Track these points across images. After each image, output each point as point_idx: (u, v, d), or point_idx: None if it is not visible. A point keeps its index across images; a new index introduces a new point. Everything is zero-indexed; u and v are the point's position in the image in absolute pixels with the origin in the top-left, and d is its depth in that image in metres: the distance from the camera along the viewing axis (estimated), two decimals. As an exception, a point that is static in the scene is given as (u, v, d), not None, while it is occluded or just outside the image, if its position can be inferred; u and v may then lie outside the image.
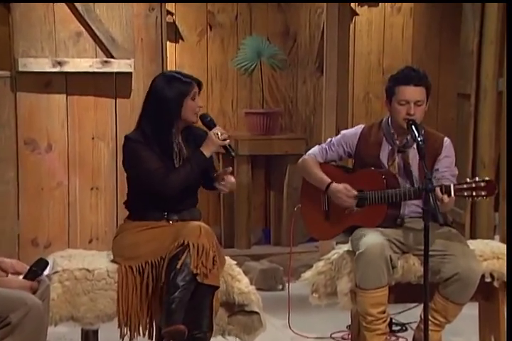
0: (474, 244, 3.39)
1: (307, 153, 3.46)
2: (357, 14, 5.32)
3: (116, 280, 3.08)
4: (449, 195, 3.04)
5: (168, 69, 4.31)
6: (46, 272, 2.75)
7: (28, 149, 4.07)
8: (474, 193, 3.02)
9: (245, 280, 3.18)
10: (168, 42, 4.43)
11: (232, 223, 5.19)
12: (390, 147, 3.31)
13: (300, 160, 3.47)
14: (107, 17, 4.06)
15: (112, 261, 3.17)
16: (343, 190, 3.25)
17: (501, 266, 3.26)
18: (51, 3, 4.00)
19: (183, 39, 5.24)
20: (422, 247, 2.99)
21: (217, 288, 3.03)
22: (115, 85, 4.13)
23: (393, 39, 5.45)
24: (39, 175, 4.09)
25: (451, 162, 3.31)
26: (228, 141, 3.18)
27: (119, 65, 4.07)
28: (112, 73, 4.10)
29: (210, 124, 3.19)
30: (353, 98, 5.34)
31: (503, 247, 3.37)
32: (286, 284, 3.95)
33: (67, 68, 4.02)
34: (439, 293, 3.17)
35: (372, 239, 3.15)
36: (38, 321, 2.50)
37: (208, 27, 5.28)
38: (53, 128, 4.10)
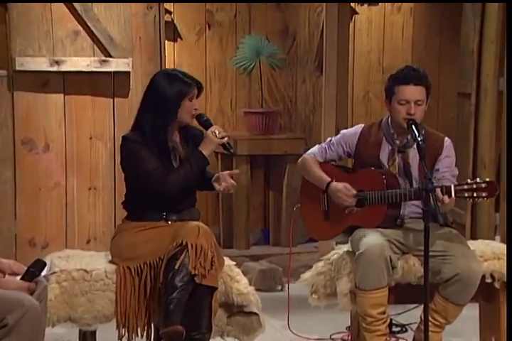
0: (475, 245, 3.38)
1: (307, 153, 3.46)
2: (357, 13, 5.32)
3: (115, 281, 3.07)
4: (450, 195, 3.03)
5: (167, 68, 4.30)
6: (44, 273, 2.74)
7: (25, 149, 4.06)
8: (475, 194, 3.02)
9: (244, 280, 3.18)
10: (166, 41, 4.41)
11: (231, 223, 5.19)
12: (390, 147, 3.31)
13: (300, 159, 3.47)
14: (105, 16, 4.05)
15: (110, 261, 3.16)
16: (343, 189, 3.24)
17: (502, 266, 3.26)
18: (48, 2, 3.99)
19: (181, 38, 5.23)
20: (422, 248, 2.99)
21: (216, 288, 3.02)
22: (113, 84, 4.12)
23: (393, 38, 5.45)
24: (36, 175, 4.08)
25: (452, 162, 3.30)
26: (226, 138, 3.17)
27: (117, 64, 4.06)
28: (109, 72, 4.09)
29: (207, 124, 3.19)
30: (353, 97, 5.34)
31: (504, 248, 3.36)
32: (286, 285, 3.95)
33: (64, 67, 4.01)
34: (440, 293, 3.17)
35: (372, 239, 3.14)
36: (36, 322, 2.50)
37: (207, 26, 5.28)
38: (51, 127, 4.09)
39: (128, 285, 3.05)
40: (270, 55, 5.16)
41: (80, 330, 3.18)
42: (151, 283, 3.04)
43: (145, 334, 3.10)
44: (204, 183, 3.25)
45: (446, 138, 3.32)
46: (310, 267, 3.42)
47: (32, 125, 4.06)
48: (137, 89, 4.07)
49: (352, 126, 3.51)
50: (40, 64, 3.97)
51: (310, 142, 5.01)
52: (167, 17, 4.80)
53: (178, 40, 5.22)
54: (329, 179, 3.30)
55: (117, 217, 4.02)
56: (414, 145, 3.18)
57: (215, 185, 3.20)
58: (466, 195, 3.03)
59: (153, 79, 3.17)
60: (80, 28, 4.02)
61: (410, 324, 3.78)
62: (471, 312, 3.35)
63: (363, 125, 3.41)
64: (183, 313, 2.94)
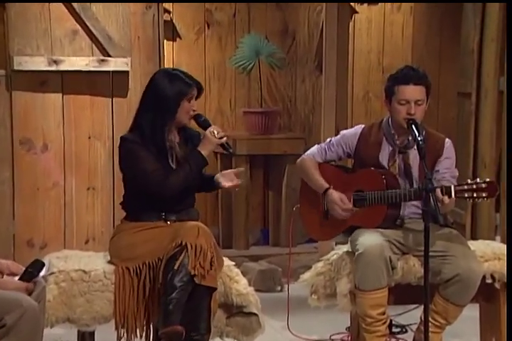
0: (475, 245, 3.38)
1: (306, 153, 3.45)
2: (356, 12, 5.31)
3: (113, 282, 3.06)
4: (450, 196, 3.03)
5: (164, 67, 4.30)
6: (42, 273, 2.73)
7: (23, 149, 4.05)
8: (475, 194, 3.01)
9: (243, 281, 3.17)
10: (165, 41, 4.41)
11: (230, 223, 5.18)
12: (391, 147, 3.30)
13: (299, 160, 3.46)
14: (104, 15, 4.05)
15: (109, 262, 3.15)
16: (339, 202, 3.24)
17: (502, 266, 3.25)
18: (47, 2, 3.98)
19: (180, 37, 5.22)
20: (422, 248, 2.98)
21: (215, 289, 3.01)
22: (112, 84, 4.11)
23: (393, 37, 5.44)
24: (35, 175, 4.07)
25: (452, 163, 3.30)
26: (225, 138, 3.17)
27: (115, 64, 4.06)
28: (108, 72, 4.08)
29: (205, 124, 3.18)
30: (353, 97, 5.33)
31: (504, 248, 3.35)
32: (285, 285, 3.94)
33: (63, 67, 4.00)
34: (440, 294, 3.16)
35: (371, 239, 3.14)
36: (34, 323, 2.50)
37: (206, 25, 5.27)
38: (49, 127, 4.08)
39: (127, 286, 3.05)
40: (269, 54, 5.15)
41: (78, 331, 3.17)
42: (150, 283, 3.03)
43: (144, 334, 3.09)
44: (201, 184, 3.24)
45: (447, 140, 3.32)
46: (309, 267, 3.41)
47: (30, 125, 4.05)
48: (136, 89, 4.07)
49: (352, 126, 3.51)
50: (39, 63, 3.97)
51: (309, 142, 5.00)
52: (166, 16, 4.79)
53: (177, 39, 5.22)
54: (327, 186, 3.30)
55: (116, 217, 4.01)
56: (415, 146, 3.17)
57: (221, 180, 3.19)
58: (466, 195, 3.03)
59: (153, 78, 3.16)
60: (78, 27, 4.02)
61: (410, 325, 3.77)
62: (471, 313, 3.34)
63: (363, 125, 3.40)
64: (182, 314, 2.93)
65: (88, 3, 4.02)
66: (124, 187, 3.23)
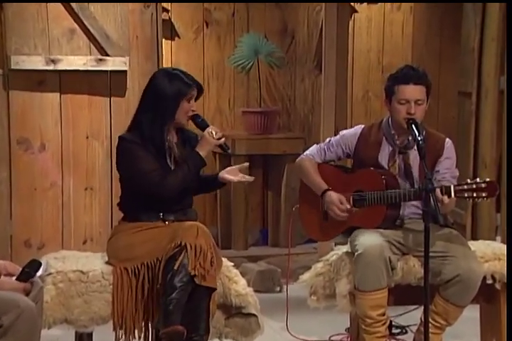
0: (475, 245, 3.37)
1: (305, 153, 3.44)
2: (356, 11, 5.30)
3: (111, 282, 3.05)
4: (449, 195, 3.02)
5: (164, 67, 4.28)
6: (39, 273, 2.72)
7: (21, 149, 4.04)
8: (475, 194, 3.01)
9: (242, 282, 3.16)
10: (163, 40, 4.41)
11: (229, 224, 5.17)
12: (391, 148, 3.29)
13: (297, 160, 3.45)
14: (102, 14, 4.04)
15: (107, 262, 3.14)
16: (337, 203, 3.23)
17: (503, 267, 3.24)
18: (44, 2, 3.97)
19: (179, 36, 5.21)
20: (422, 248, 2.97)
21: (215, 289, 3.01)
22: (110, 83, 4.10)
23: (393, 36, 5.43)
24: (32, 175, 4.06)
25: (452, 163, 3.29)
26: (223, 139, 3.16)
27: (113, 63, 4.05)
28: (106, 71, 4.07)
29: (203, 124, 3.18)
30: (352, 97, 5.32)
31: (505, 248, 3.34)
32: (284, 286, 3.93)
33: (60, 66, 3.99)
34: (440, 295, 3.15)
35: (371, 240, 3.13)
36: (31, 323, 2.49)
37: (205, 24, 5.25)
38: (47, 127, 4.07)
39: (125, 287, 3.04)
40: (269, 53, 5.14)
41: (76, 332, 3.16)
42: (149, 284, 3.03)
43: (143, 335, 3.08)
44: (202, 184, 3.24)
45: (447, 140, 3.31)
46: (309, 268, 3.40)
47: (28, 124, 4.04)
48: (134, 89, 4.07)
49: (351, 126, 3.51)
50: (36, 63, 3.96)
51: (309, 142, 4.99)
52: (164, 15, 4.78)
53: (176, 38, 5.20)
54: (325, 187, 3.30)
55: (114, 218, 4.00)
56: (415, 147, 3.16)
57: (227, 176, 3.18)
58: (466, 195, 3.02)
59: (153, 77, 3.16)
60: (76, 26, 4.01)
61: (410, 325, 3.77)
62: (471, 314, 3.34)
63: (362, 126, 3.39)
64: (182, 314, 2.93)
65: (86, 2, 4.01)
66: (121, 188, 3.22)
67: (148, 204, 3.11)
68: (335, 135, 3.47)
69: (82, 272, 3.07)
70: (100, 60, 4.03)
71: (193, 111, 3.13)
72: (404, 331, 3.82)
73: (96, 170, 4.12)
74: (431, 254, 2.96)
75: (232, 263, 3.22)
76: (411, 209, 3.26)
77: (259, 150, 5.14)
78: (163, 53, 4.30)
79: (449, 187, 3.03)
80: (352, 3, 5.11)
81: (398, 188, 3.20)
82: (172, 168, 3.12)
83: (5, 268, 2.69)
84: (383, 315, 3.15)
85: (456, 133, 4.53)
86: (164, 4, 4.74)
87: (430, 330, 3.04)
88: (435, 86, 3.90)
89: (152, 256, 3.02)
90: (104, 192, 4.12)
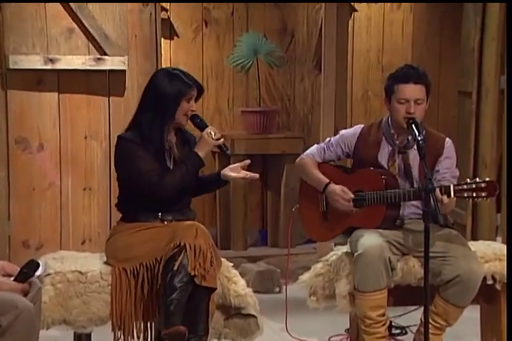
0: (476, 246, 3.36)
1: (305, 153, 3.43)
2: (356, 10, 5.28)
3: (110, 283, 3.05)
4: (449, 195, 3.01)
5: (163, 66, 4.27)
6: (38, 273, 2.71)
7: (19, 148, 4.03)
8: (474, 194, 3.00)
9: (242, 282, 3.15)
10: (162, 39, 4.40)
11: (228, 224, 5.16)
12: (390, 147, 3.29)
13: (298, 159, 3.45)
14: (100, 13, 4.04)
15: (105, 262, 3.13)
16: (340, 193, 3.22)
17: (503, 267, 3.23)
18: (42, 2, 3.96)
19: (178, 36, 5.20)
20: (422, 249, 2.97)
21: (215, 289, 3.00)
22: (108, 83, 4.10)
23: (393, 36, 5.42)
24: (30, 175, 4.05)
25: (452, 163, 3.28)
26: (222, 140, 3.16)
27: (112, 63, 4.04)
28: (105, 71, 4.06)
29: (202, 125, 3.17)
30: (352, 96, 5.30)
31: (505, 248, 3.32)
32: (284, 286, 3.92)
33: (59, 65, 3.98)
34: (440, 295, 3.15)
35: (371, 240, 3.12)
36: (29, 324, 2.48)
37: (204, 23, 5.24)
38: (45, 127, 4.06)
39: (124, 287, 3.03)
40: (268, 53, 5.13)
41: (74, 333, 3.15)
42: (148, 284, 3.02)
43: (142, 336, 3.07)
44: (203, 185, 3.23)
45: (447, 139, 3.30)
46: (308, 268, 3.39)
47: (26, 124, 4.03)
48: (133, 88, 4.07)
49: (351, 125, 3.51)
50: (34, 62, 3.95)
51: (308, 141, 4.98)
52: (163, 14, 4.77)
53: (175, 37, 5.19)
54: (327, 181, 3.28)
55: (113, 218, 3.99)
56: (415, 146, 3.15)
57: (230, 173, 3.17)
58: (465, 194, 3.02)
59: (153, 76, 3.16)
60: (74, 25, 4.01)
61: (410, 326, 3.76)
62: (471, 315, 3.33)
63: (362, 125, 3.39)
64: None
65: (85, 2, 4.00)
66: (119, 188, 3.21)
67: (147, 204, 3.10)
68: (334, 135, 3.47)
69: (80, 272, 3.06)
70: (99, 59, 4.02)
71: (192, 111, 3.13)
72: (404, 332, 3.81)
73: (94, 170, 4.11)
74: (431, 255, 2.96)
75: (232, 264, 3.22)
76: (411, 209, 3.26)
77: (258, 150, 5.12)
78: (162, 53, 4.29)
79: (449, 186, 3.02)
80: (352, 3, 5.10)
81: (398, 188, 3.19)
82: (171, 168, 3.12)
83: (3, 269, 2.68)
84: (383, 315, 3.14)
85: (456, 133, 4.53)
86: (163, 3, 4.73)
87: (430, 331, 3.04)
88: (435, 85, 3.90)
89: (151, 257, 3.01)
90: (103, 192, 4.11)
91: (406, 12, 5.40)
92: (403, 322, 3.82)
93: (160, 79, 3.10)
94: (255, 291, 3.34)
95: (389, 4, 5.38)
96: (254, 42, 5.10)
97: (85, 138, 4.10)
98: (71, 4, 3.99)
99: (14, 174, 4.02)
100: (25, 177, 4.03)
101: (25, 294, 2.58)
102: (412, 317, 3.69)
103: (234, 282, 3.11)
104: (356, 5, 5.26)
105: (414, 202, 3.22)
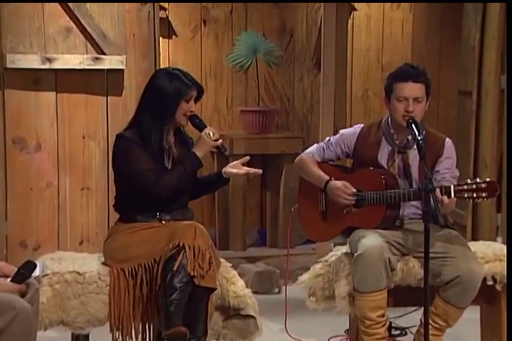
0: (476, 246, 3.36)
1: (304, 152, 3.43)
2: (355, 9, 5.27)
3: (108, 284, 3.04)
4: (449, 196, 3.01)
5: (161, 66, 4.28)
6: (36, 274, 2.71)
7: (16, 148, 4.03)
8: (475, 195, 2.99)
9: (240, 283, 3.14)
10: (161, 38, 4.39)
11: (227, 224, 5.15)
12: (390, 147, 3.28)
13: (297, 158, 3.44)
14: (98, 12, 4.03)
15: (103, 263, 3.13)
16: (342, 187, 3.22)
17: (503, 268, 3.22)
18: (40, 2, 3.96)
19: (176, 35, 5.18)
20: (422, 249, 2.96)
21: (214, 290, 2.99)
22: (106, 82, 4.09)
23: (393, 35, 5.40)
24: (28, 175, 4.04)
25: (453, 163, 3.27)
26: (221, 140, 3.16)
27: (110, 62, 4.03)
28: (103, 70, 4.05)
29: (200, 125, 3.17)
30: (351, 96, 5.29)
31: (506, 249, 3.31)
32: (283, 287, 3.91)
33: (56, 65, 3.98)
34: (440, 296, 3.14)
35: (370, 240, 3.11)
36: (27, 325, 2.48)
37: (202, 22, 5.23)
38: (42, 126, 4.06)
39: (122, 288, 3.02)
40: (267, 52, 5.11)
41: (72, 334, 3.14)
42: (146, 285, 3.01)
43: (140, 337, 3.06)
44: (202, 186, 3.22)
45: (448, 139, 3.30)
46: (308, 269, 3.39)
47: (23, 124, 4.03)
48: (131, 87, 4.07)
49: (350, 125, 3.50)
50: (32, 61, 3.94)
51: (308, 141, 4.97)
52: (161, 13, 4.76)
53: (173, 37, 5.18)
54: (328, 177, 3.28)
55: (111, 218, 3.99)
56: (415, 146, 3.14)
57: (231, 170, 3.17)
58: (465, 195, 3.01)
59: (153, 76, 3.16)
60: (72, 24, 4.00)
61: (410, 327, 3.75)
62: (472, 315, 3.31)
63: (362, 125, 3.38)
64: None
65: (83, 2, 3.99)
66: (116, 188, 3.20)
67: (144, 204, 3.09)
68: (334, 134, 3.46)
69: (78, 273, 3.05)
70: (97, 58, 4.01)
71: (191, 111, 3.12)
72: (403, 333, 3.80)
73: (92, 170, 4.11)
74: (431, 255, 2.95)
75: (230, 264, 3.21)
76: (411, 209, 3.25)
77: (257, 150, 5.10)
78: (161, 52, 4.29)
79: (449, 187, 3.01)
80: (351, 2, 5.09)
81: (398, 188, 3.18)
82: (169, 168, 3.11)
83: (0, 270, 2.67)
84: (383, 316, 3.13)
85: (457, 133, 4.52)
86: (161, 2, 4.71)
87: (430, 332, 3.03)
88: (435, 85, 3.89)
89: (149, 257, 3.00)
90: (101, 192, 4.11)
91: (406, 11, 5.39)
92: (403, 323, 3.81)
93: (160, 79, 3.10)
94: (254, 292, 3.34)
95: (389, 3, 5.37)
96: (253, 41, 5.09)
97: (83, 137, 4.09)
98: (69, 3, 3.97)
99: (11, 174, 4.01)
100: (22, 177, 4.02)
101: (23, 295, 2.58)
102: (411, 318, 3.67)
103: (233, 283, 3.10)
104: (356, 4, 5.25)
105: (414, 203, 3.21)
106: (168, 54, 5.13)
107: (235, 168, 3.19)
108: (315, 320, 3.83)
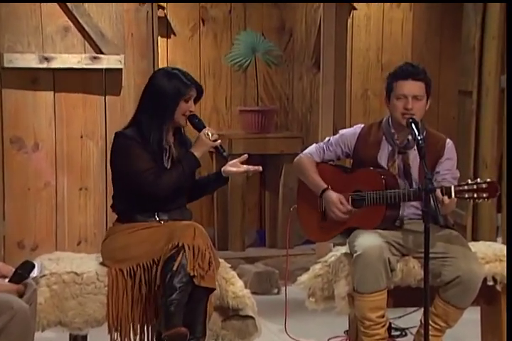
0: (476, 246, 3.35)
1: (304, 152, 3.42)
2: (355, 9, 5.26)
3: (106, 284, 3.03)
4: (450, 196, 3.00)
5: (160, 65, 4.27)
6: (34, 274, 2.70)
7: (14, 148, 4.01)
8: (475, 195, 2.99)
9: (239, 283, 3.14)
10: (159, 38, 4.38)
11: (226, 224, 5.15)
12: (390, 147, 3.28)
13: (296, 159, 3.43)
14: (96, 11, 4.02)
15: (101, 263, 3.12)
16: (337, 204, 3.22)
17: (504, 268, 3.22)
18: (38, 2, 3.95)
19: (175, 34, 5.18)
20: (422, 249, 2.95)
21: (213, 290, 2.99)
22: (104, 82, 4.08)
23: (392, 34, 5.40)
24: (26, 175, 4.03)
25: (453, 164, 3.27)
26: (220, 141, 3.16)
27: (108, 61, 4.02)
28: (101, 69, 4.04)
29: (199, 125, 3.16)
30: (351, 95, 5.29)
31: (506, 249, 3.30)
32: (282, 288, 3.91)
33: (54, 64, 3.96)
34: (440, 296, 3.13)
35: (370, 241, 3.11)
36: (25, 326, 2.47)
37: (201, 21, 5.23)
38: (40, 126, 4.04)
39: (120, 288, 3.01)
40: (266, 51, 5.11)
41: (70, 335, 3.14)
42: (145, 285, 3.00)
43: (138, 338, 3.05)
44: (195, 188, 3.21)
45: (448, 140, 3.29)
46: (307, 269, 3.38)
47: (21, 123, 4.01)
48: (129, 87, 4.06)
49: (350, 125, 3.50)
50: (30, 61, 3.93)
51: (307, 141, 4.97)
52: (160, 12, 4.75)
53: (172, 36, 5.18)
54: (324, 186, 3.27)
55: (109, 218, 3.98)
56: (415, 147, 3.13)
57: (231, 169, 3.17)
58: (466, 195, 3.00)
59: (152, 76, 3.16)
60: (70, 23, 3.99)
61: (410, 328, 3.74)
62: (472, 316, 3.31)
63: (362, 125, 3.38)
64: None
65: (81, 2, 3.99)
66: (114, 188, 3.20)
67: (142, 204, 3.08)
68: (333, 134, 3.45)
69: (76, 273, 3.04)
70: (95, 58, 4.00)
71: (190, 111, 3.11)
72: (403, 333, 3.79)
73: (90, 169, 4.10)
74: (431, 255, 2.94)
75: (229, 265, 3.20)
76: (411, 209, 3.24)
77: (256, 150, 5.09)
78: (159, 51, 4.28)
79: (450, 187, 3.01)
80: (351, 2, 5.08)
81: (398, 188, 3.18)
82: (168, 168, 3.10)
83: (-2, 270, 2.66)
84: (382, 317, 3.13)
85: (457, 133, 4.52)
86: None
87: (430, 332, 3.02)
88: (435, 85, 3.87)
89: (148, 257, 3.00)
90: (99, 192, 4.10)
91: (405, 11, 5.39)
92: (403, 323, 3.80)
93: (159, 79, 3.10)
94: (253, 292, 3.36)
95: (388, 3, 5.37)
96: (252, 40, 5.08)
97: (81, 137, 4.08)
98: (67, 3, 3.96)
99: (9, 174, 4.00)
100: (20, 177, 4.01)
101: (21, 295, 2.57)
102: (411, 318, 3.66)
103: (232, 283, 3.10)
104: (355, 3, 5.25)
105: (414, 203, 3.21)
106: (167, 53, 5.13)
107: (234, 167, 3.18)
108: (314, 320, 3.83)
